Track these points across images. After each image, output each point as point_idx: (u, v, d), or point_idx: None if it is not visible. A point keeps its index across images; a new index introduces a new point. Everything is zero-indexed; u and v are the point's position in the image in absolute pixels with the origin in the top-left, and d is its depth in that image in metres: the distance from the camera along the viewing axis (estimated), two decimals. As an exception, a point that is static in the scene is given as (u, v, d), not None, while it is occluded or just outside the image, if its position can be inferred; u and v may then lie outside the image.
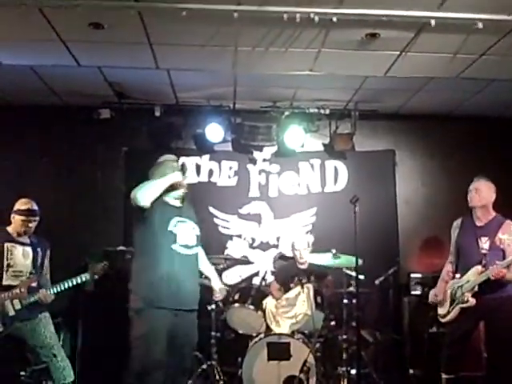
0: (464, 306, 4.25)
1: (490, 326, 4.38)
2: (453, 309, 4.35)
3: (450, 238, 4.65)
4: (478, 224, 4.42)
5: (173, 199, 3.81)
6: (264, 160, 6.65)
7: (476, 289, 4.19)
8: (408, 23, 4.29)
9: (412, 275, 6.19)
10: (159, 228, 3.63)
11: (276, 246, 6.50)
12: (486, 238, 4.24)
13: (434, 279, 5.00)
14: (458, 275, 4.41)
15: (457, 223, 4.61)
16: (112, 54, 5.01)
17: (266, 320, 5.14)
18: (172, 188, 3.72)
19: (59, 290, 4.47)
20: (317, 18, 4.06)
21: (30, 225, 4.46)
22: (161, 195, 3.64)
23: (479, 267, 4.21)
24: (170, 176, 3.71)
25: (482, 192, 4.38)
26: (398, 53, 4.91)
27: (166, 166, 3.86)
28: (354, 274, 4.98)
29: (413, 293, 6.13)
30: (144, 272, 3.61)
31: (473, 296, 4.20)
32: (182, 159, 6.48)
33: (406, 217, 6.64)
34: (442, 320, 4.50)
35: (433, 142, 6.74)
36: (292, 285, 5.33)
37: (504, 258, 4.17)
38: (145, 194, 3.54)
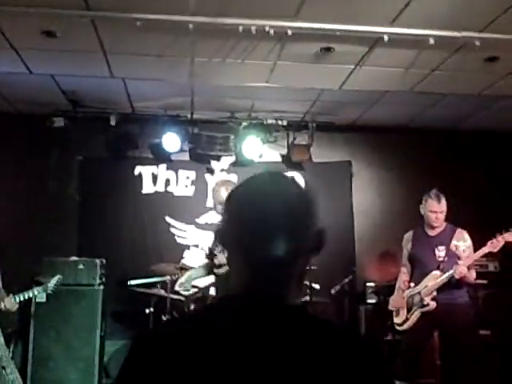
0: (424, 310, 4.33)
1: (444, 334, 4.47)
2: (411, 315, 4.42)
3: (403, 249, 4.74)
4: (432, 234, 4.54)
5: None
6: (222, 170, 6.64)
7: (434, 293, 4.29)
8: (362, 38, 4.36)
9: (368, 284, 6.27)
10: None
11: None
12: (443, 247, 4.40)
13: (390, 288, 5.07)
14: (412, 284, 4.52)
15: (408, 235, 4.70)
16: (65, 63, 4.93)
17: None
18: None
19: (22, 299, 4.38)
20: (272, 31, 4.09)
21: None
22: None
23: (437, 272, 4.33)
24: None
25: (445, 210, 4.50)
26: (353, 66, 4.98)
27: None
28: (308, 283, 5.01)
29: (368, 301, 6.20)
30: None
31: (431, 300, 4.31)
32: (139, 168, 6.46)
33: (362, 227, 6.72)
34: (399, 328, 4.57)
35: (389, 153, 6.85)
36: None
37: None
38: None
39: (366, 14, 4.03)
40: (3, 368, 4.21)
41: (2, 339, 4.36)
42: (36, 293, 4.51)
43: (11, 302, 4.31)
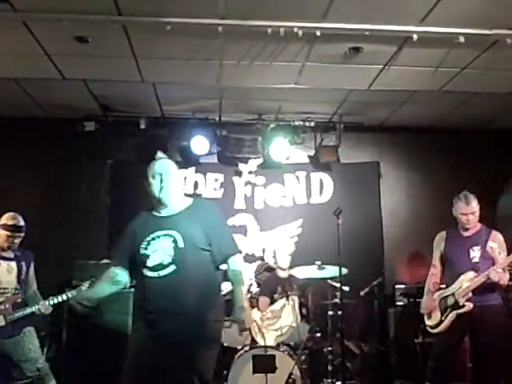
0: (461, 311, 4.28)
1: (476, 336, 4.41)
2: (446, 317, 4.37)
3: (434, 249, 4.69)
4: (466, 234, 4.48)
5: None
6: (250, 172, 6.67)
7: (470, 294, 4.25)
8: (391, 37, 4.36)
9: (397, 286, 6.22)
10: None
11: (262, 258, 6.50)
12: (478, 247, 4.34)
13: (419, 290, 5.02)
14: (443, 286, 4.47)
15: (441, 236, 4.64)
16: (97, 68, 5.02)
17: (251, 332, 5.12)
18: None
19: (56, 302, 4.47)
20: (300, 32, 4.12)
21: (16, 240, 4.42)
22: None
23: (472, 273, 4.27)
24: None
25: (476, 212, 4.45)
26: (382, 66, 4.97)
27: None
28: (338, 285, 4.99)
29: (398, 304, 6.15)
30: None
31: (467, 301, 4.27)
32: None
33: (390, 228, 6.68)
34: (433, 331, 4.51)
35: (417, 153, 6.80)
36: (276, 295, 5.34)
37: (494, 265, 4.26)
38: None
39: (394, 13, 4.02)
40: (39, 370, 4.33)
41: (37, 341, 4.46)
42: (70, 296, 4.59)
43: (46, 306, 4.39)
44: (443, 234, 4.64)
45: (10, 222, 4.40)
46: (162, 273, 2.96)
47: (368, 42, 4.44)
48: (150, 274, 2.98)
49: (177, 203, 3.17)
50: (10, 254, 4.44)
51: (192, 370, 2.93)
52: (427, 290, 4.63)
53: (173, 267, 2.97)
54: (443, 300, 4.41)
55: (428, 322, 4.56)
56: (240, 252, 3.26)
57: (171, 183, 3.16)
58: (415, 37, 4.22)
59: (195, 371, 2.93)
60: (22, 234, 4.46)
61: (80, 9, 3.91)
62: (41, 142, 6.31)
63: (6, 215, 4.45)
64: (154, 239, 3.05)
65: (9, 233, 4.37)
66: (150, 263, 2.99)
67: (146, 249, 3.03)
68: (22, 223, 4.45)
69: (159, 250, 3.00)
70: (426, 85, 5.42)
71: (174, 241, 3.01)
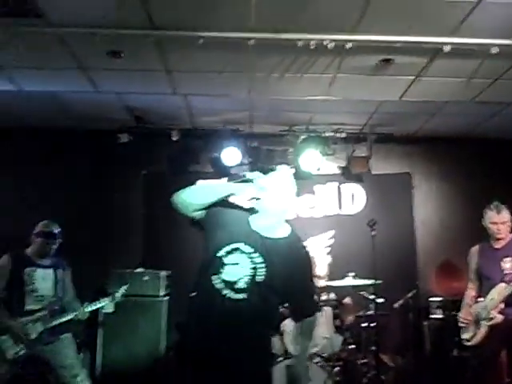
0: (491, 323, 4.21)
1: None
2: (478, 330, 4.32)
3: (468, 264, 4.63)
4: (497, 246, 4.43)
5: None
6: (280, 183, 6.67)
7: (501, 306, 4.18)
8: (422, 49, 4.33)
9: (431, 299, 6.14)
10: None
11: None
12: (509, 259, 4.30)
13: (454, 303, 4.95)
14: (480, 299, 4.42)
15: (474, 250, 4.60)
16: (130, 81, 5.12)
17: (283, 343, 5.12)
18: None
19: (92, 308, 4.57)
20: (331, 45, 4.13)
21: (52, 248, 4.51)
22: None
23: (503, 284, 4.22)
24: (228, 185, 2.83)
25: (507, 222, 4.40)
26: (413, 78, 4.95)
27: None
28: (372, 297, 4.96)
29: (432, 316, 6.06)
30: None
31: (499, 313, 4.20)
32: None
33: (423, 240, 6.61)
34: (468, 344, 4.46)
35: (449, 164, 6.74)
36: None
37: None
38: (183, 201, 2.77)
39: (426, 24, 4.01)
40: (76, 376, 4.38)
41: (75, 348, 4.54)
42: (107, 302, 4.67)
43: (82, 311, 4.47)
44: (476, 248, 4.60)
45: (45, 230, 4.50)
46: (232, 295, 2.65)
47: (399, 54, 4.43)
48: (219, 286, 2.67)
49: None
50: (47, 262, 4.53)
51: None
52: (466, 303, 4.58)
53: (243, 295, 2.65)
54: (477, 313, 4.36)
55: (464, 336, 4.50)
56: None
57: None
58: (447, 48, 4.19)
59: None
60: (57, 241, 4.55)
61: (114, 23, 4.00)
62: (76, 154, 6.48)
63: (41, 223, 4.56)
64: (239, 250, 2.71)
65: (43, 240, 4.47)
66: (223, 275, 2.67)
67: (226, 256, 2.69)
68: (56, 230, 4.55)
69: (238, 267, 2.68)
70: (457, 95, 5.37)
71: (254, 268, 2.68)
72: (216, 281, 2.66)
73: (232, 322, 2.63)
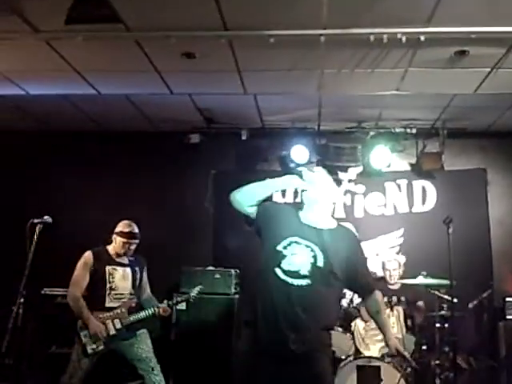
0: None
1: None
2: None
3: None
4: None
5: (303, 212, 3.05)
6: (349, 181, 6.63)
7: None
8: (499, 39, 4.19)
9: (508, 299, 5.92)
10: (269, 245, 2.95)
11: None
12: None
13: (532, 303, 4.76)
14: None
15: None
16: (203, 82, 5.22)
17: (355, 342, 5.08)
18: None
19: (173, 303, 4.72)
20: (404, 38, 4.06)
21: (131, 247, 4.62)
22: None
23: None
24: (280, 179, 3.08)
25: None
26: (489, 69, 4.79)
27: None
28: (446, 297, 4.84)
29: (509, 317, 5.85)
30: (250, 302, 2.98)
31: None
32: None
33: (499, 238, 6.38)
34: None
35: (526, 160, 6.48)
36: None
37: None
38: (239, 197, 3.02)
39: (502, 14, 3.87)
40: (152, 369, 4.50)
41: (150, 342, 4.66)
42: (179, 301, 4.79)
43: (165, 308, 4.59)
44: None
45: (126, 230, 4.62)
46: (297, 282, 2.82)
47: (475, 45, 4.30)
48: (283, 276, 2.83)
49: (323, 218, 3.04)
50: (125, 260, 4.66)
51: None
52: None
53: (307, 281, 2.82)
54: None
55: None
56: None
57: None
58: (525, 38, 4.05)
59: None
60: (137, 241, 4.66)
61: (188, 26, 4.09)
62: (149, 155, 6.68)
63: (122, 223, 4.67)
64: (296, 243, 2.89)
65: (124, 239, 4.58)
66: (285, 266, 2.84)
67: (285, 248, 2.88)
68: (136, 230, 4.67)
69: (298, 257, 2.86)
70: (536, 87, 5.16)
71: (314, 256, 2.86)
72: (280, 272, 2.84)
73: (300, 306, 2.78)
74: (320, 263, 2.85)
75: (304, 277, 2.82)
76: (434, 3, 3.75)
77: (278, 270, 2.84)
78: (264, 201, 3.01)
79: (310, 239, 2.90)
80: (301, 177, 3.02)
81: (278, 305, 2.79)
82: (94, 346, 4.35)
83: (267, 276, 2.87)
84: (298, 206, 3.06)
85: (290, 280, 2.81)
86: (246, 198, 3.01)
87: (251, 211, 3.00)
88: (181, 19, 4.02)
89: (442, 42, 4.26)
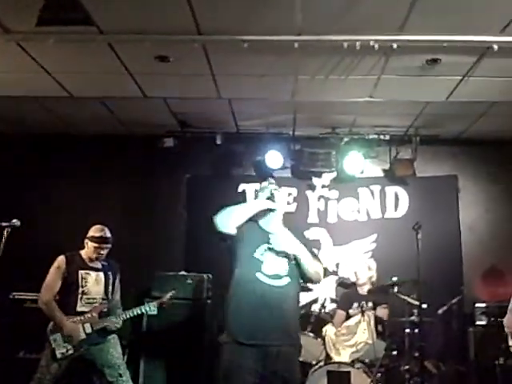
0: None
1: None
2: None
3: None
4: None
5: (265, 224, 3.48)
6: (323, 186, 6.66)
7: None
8: (470, 48, 4.26)
9: (477, 305, 5.99)
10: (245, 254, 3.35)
11: (335, 273, 6.46)
12: None
13: (501, 309, 4.83)
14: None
15: None
16: (176, 85, 5.20)
17: (325, 348, 5.09)
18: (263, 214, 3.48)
19: (127, 317, 4.61)
20: (377, 46, 4.10)
21: (102, 252, 4.58)
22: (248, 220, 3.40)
23: None
24: (256, 202, 3.51)
25: None
26: (460, 78, 4.86)
27: (263, 192, 3.54)
28: (416, 302, 4.88)
29: (478, 323, 5.92)
30: (228, 302, 3.33)
31: None
32: (242, 186, 6.64)
33: (469, 244, 6.46)
34: None
35: (497, 167, 6.58)
36: (351, 311, 5.28)
37: None
38: (225, 220, 3.31)
39: (474, 23, 3.95)
40: (120, 375, 4.45)
41: (120, 348, 4.61)
42: (152, 308, 4.74)
43: (114, 322, 4.50)
44: None
45: (97, 234, 4.57)
46: (278, 283, 3.27)
47: (446, 53, 4.37)
48: (266, 280, 3.26)
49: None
50: (98, 265, 4.61)
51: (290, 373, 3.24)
52: (511, 307, 4.46)
53: (287, 280, 3.30)
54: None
55: (511, 343, 4.38)
56: None
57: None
58: (495, 47, 4.11)
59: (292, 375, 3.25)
60: (109, 246, 4.62)
61: (162, 29, 4.07)
62: (122, 158, 6.62)
63: (94, 227, 4.62)
64: (269, 249, 3.35)
65: (96, 244, 4.54)
66: (266, 271, 3.28)
67: (262, 255, 3.32)
68: (108, 235, 4.62)
69: (275, 260, 3.32)
70: (506, 96, 5.24)
71: (286, 256, 3.34)
72: (262, 277, 3.25)
73: (279, 304, 3.23)
74: (291, 263, 3.35)
75: (283, 277, 3.30)
76: (406, 11, 3.80)
77: (259, 275, 3.25)
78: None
79: (278, 243, 3.35)
80: (272, 198, 3.47)
81: (262, 305, 3.19)
82: (64, 350, 4.29)
83: (247, 281, 3.26)
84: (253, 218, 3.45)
85: (272, 282, 3.25)
86: (231, 222, 3.31)
87: (233, 232, 3.31)
88: (154, 22, 4.01)
89: (414, 50, 4.31)
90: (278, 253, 3.34)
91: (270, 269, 3.29)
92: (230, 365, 3.15)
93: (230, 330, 3.24)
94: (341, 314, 5.53)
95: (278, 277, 3.28)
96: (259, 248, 3.34)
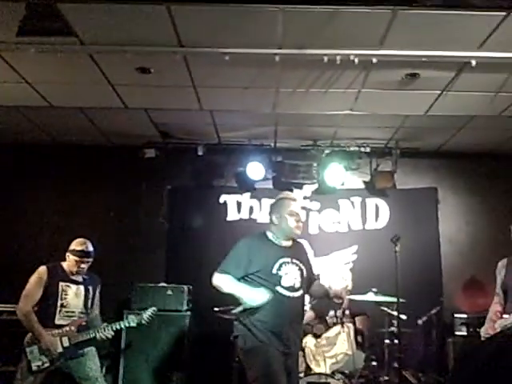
0: None
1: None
2: None
3: (496, 278, 4.56)
4: None
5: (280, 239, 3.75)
6: (304, 197, 6.68)
7: None
8: (448, 63, 4.33)
9: (456, 315, 6.04)
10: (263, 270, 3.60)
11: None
12: None
13: (480, 319, 4.87)
14: (506, 316, 4.32)
15: (502, 263, 4.52)
16: (158, 97, 5.21)
17: (305, 359, 5.09)
18: None
19: (118, 328, 4.57)
20: (357, 60, 4.14)
21: (83, 265, 4.51)
22: None
23: None
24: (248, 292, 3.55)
25: None
26: (439, 92, 4.93)
27: (282, 205, 3.75)
28: (394, 313, 4.91)
29: (457, 333, 5.97)
30: (252, 313, 3.56)
31: None
32: (224, 197, 6.64)
33: (449, 256, 6.53)
34: None
35: (476, 179, 6.67)
36: (328, 317, 5.30)
37: None
38: (218, 288, 3.66)
39: (452, 39, 4.00)
40: None
41: (98, 361, 4.56)
42: (131, 324, 4.69)
43: (108, 332, 4.48)
44: (504, 261, 4.53)
45: (79, 248, 4.51)
46: (293, 294, 3.59)
47: (425, 68, 4.43)
48: (285, 292, 3.57)
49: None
50: (79, 278, 4.55)
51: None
52: (489, 317, 4.50)
53: (300, 292, 3.65)
54: (505, 330, 4.27)
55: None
56: None
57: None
58: (474, 62, 4.18)
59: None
60: (91, 260, 4.55)
61: (143, 41, 4.07)
62: (103, 169, 6.59)
63: (76, 241, 4.55)
64: (285, 263, 3.63)
65: (77, 258, 4.47)
66: (285, 283, 3.58)
67: (279, 270, 3.60)
68: (90, 249, 4.55)
69: (291, 274, 3.62)
70: (484, 110, 5.33)
71: (300, 269, 3.68)
72: (282, 290, 3.56)
73: (297, 313, 3.68)
74: (305, 274, 3.70)
75: (298, 289, 3.63)
76: (385, 26, 3.84)
77: (279, 289, 3.55)
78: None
79: (292, 256, 3.67)
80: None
81: (283, 315, 3.54)
82: (40, 363, 4.23)
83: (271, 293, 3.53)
84: (264, 233, 3.79)
85: (290, 294, 3.58)
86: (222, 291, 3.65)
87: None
88: (135, 34, 4.00)
89: (393, 65, 4.37)
90: (295, 266, 3.66)
91: (287, 282, 3.59)
92: (267, 369, 3.44)
93: (259, 337, 3.51)
94: (309, 312, 5.48)
95: (294, 289, 3.60)
96: (276, 264, 3.59)
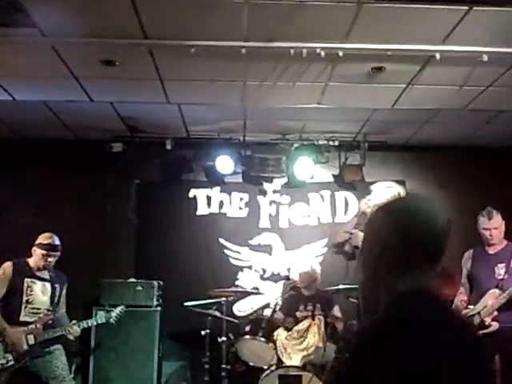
0: (486, 331, 4.20)
1: (505, 357, 4.32)
2: None
3: (462, 269, 4.64)
4: (491, 252, 4.47)
5: None
6: (274, 191, 6.69)
7: (495, 313, 4.18)
8: (413, 57, 4.36)
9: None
10: None
11: (287, 278, 6.47)
12: (503, 265, 4.33)
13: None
14: (471, 306, 4.40)
15: (468, 254, 4.61)
16: (124, 90, 5.13)
17: (277, 352, 5.10)
18: None
19: (86, 326, 4.55)
20: (323, 53, 4.15)
21: (50, 259, 4.47)
22: None
23: (496, 290, 4.22)
24: None
25: (499, 227, 4.42)
26: (405, 85, 4.97)
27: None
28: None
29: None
30: None
31: (493, 321, 4.19)
32: (193, 191, 6.60)
33: (416, 247, 6.59)
34: None
35: (443, 172, 6.75)
36: (298, 313, 5.32)
37: None
38: None
39: (417, 32, 4.03)
40: None
41: (65, 359, 4.51)
42: (99, 322, 4.65)
43: (75, 330, 4.43)
44: (470, 252, 4.62)
45: (46, 241, 4.46)
46: None
47: (390, 62, 4.45)
48: None
49: None
50: (46, 275, 4.50)
51: None
52: (454, 307, 4.58)
53: None
54: (469, 319, 4.34)
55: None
56: None
57: None
58: (438, 56, 4.22)
59: None
60: (58, 253, 4.52)
61: (107, 33, 4.01)
62: (69, 164, 6.45)
63: (42, 235, 4.52)
64: None
65: (44, 251, 4.43)
66: None
67: None
68: (57, 242, 4.51)
69: None
70: (450, 103, 5.39)
71: None
72: None
73: None
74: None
75: None
76: (351, 20, 3.84)
77: None
78: None
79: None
80: None
81: None
82: (4, 361, 4.17)
83: None
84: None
85: None
86: None
87: None
88: (99, 26, 3.94)
89: (359, 58, 4.38)
90: None
91: None
92: None
93: None
94: (282, 317, 5.49)
95: None
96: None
